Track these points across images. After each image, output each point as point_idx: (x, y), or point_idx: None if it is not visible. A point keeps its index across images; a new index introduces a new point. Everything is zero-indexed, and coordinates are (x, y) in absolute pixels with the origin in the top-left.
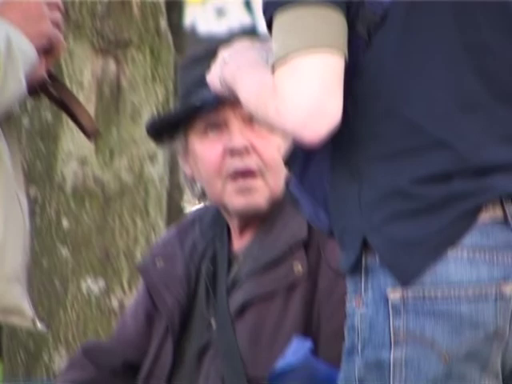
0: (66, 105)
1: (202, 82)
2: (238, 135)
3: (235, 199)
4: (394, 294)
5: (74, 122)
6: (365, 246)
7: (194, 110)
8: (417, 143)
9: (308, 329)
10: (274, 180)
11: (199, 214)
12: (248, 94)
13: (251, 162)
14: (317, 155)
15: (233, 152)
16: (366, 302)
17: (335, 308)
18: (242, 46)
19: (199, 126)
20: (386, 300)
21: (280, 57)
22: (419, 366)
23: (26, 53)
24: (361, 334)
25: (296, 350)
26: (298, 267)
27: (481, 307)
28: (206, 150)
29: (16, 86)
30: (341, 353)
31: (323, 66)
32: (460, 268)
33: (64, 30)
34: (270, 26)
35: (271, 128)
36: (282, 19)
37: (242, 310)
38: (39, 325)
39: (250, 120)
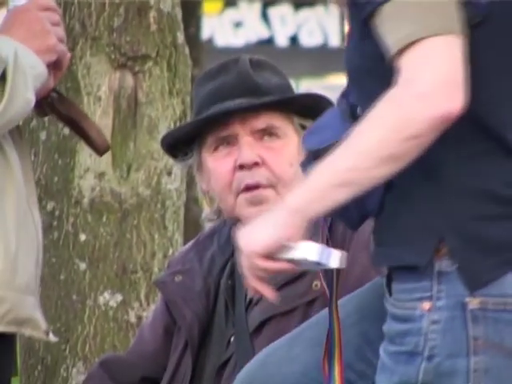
0: (74, 121)
1: (214, 97)
2: (247, 150)
3: (247, 210)
4: (473, 302)
5: (82, 138)
6: (437, 248)
7: (202, 124)
8: (499, 149)
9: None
10: (287, 192)
11: (217, 228)
12: (362, 148)
13: (261, 176)
14: None
15: (242, 167)
16: (439, 308)
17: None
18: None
19: (210, 141)
20: (464, 307)
21: (408, 41)
22: (499, 375)
23: (35, 68)
24: (429, 340)
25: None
26: (317, 283)
27: None
28: (217, 165)
29: (23, 100)
30: None
31: (453, 48)
32: None
33: (81, 43)
34: (371, 15)
35: (411, 135)
36: (399, 6)
37: (261, 326)
38: (52, 336)
39: (259, 133)
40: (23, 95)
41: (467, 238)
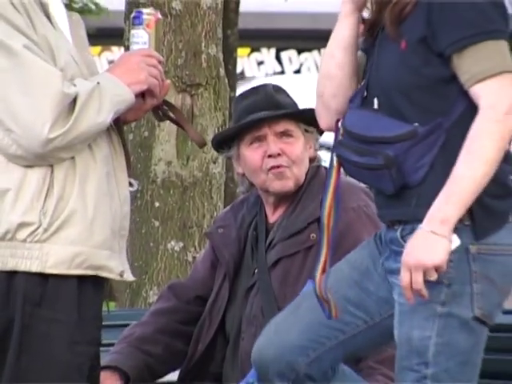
0: (180, 124)
1: (249, 109)
2: (272, 145)
3: (274, 183)
4: (473, 248)
5: (187, 133)
6: None
7: (242, 127)
8: None
9: None
10: (298, 171)
11: (246, 197)
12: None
13: (282, 161)
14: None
15: (270, 156)
16: (453, 251)
17: (339, 259)
18: None
19: (247, 139)
20: (467, 251)
21: (491, 73)
22: (489, 297)
23: (121, 95)
24: (448, 273)
25: (310, 287)
26: (313, 235)
27: None
28: (251, 154)
29: (91, 123)
30: None
31: None
32: (510, 234)
33: None
34: (457, 47)
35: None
36: (487, 47)
37: (275, 263)
38: (127, 275)
39: (280, 134)
40: (93, 119)
41: (483, 206)
